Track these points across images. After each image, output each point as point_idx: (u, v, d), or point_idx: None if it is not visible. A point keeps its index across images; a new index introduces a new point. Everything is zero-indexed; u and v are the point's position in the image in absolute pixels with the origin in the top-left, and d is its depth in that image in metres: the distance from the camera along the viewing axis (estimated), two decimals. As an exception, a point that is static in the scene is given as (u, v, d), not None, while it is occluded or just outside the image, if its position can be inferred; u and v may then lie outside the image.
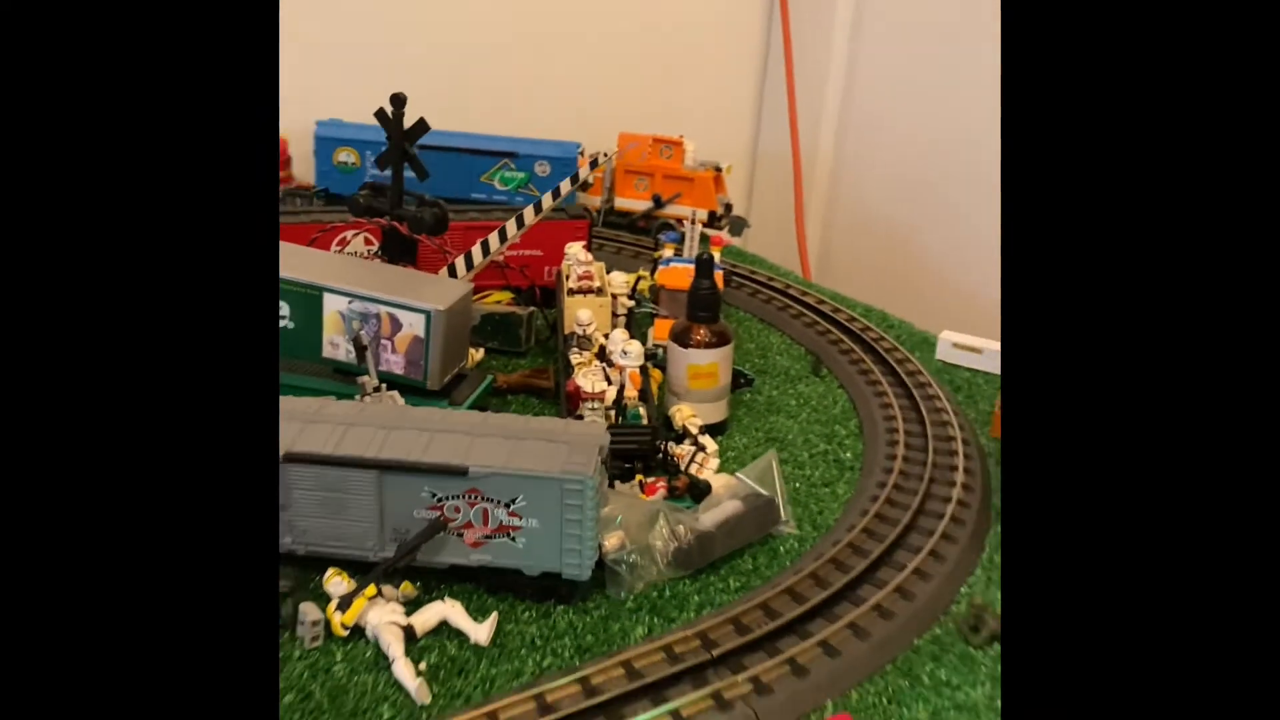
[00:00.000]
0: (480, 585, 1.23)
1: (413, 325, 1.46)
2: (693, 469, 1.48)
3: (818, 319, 2.02)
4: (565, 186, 1.64)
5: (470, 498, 1.17)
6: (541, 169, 2.19)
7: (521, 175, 2.18)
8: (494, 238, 1.64)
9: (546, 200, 1.64)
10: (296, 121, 2.24)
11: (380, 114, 1.59)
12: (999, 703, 1.09)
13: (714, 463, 1.50)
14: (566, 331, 1.69)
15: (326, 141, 2.23)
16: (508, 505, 1.16)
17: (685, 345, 1.58)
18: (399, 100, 1.58)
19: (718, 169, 2.45)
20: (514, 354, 1.86)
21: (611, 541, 1.24)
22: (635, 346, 1.51)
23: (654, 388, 1.68)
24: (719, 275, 1.88)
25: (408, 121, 1.58)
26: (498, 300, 1.97)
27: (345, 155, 2.18)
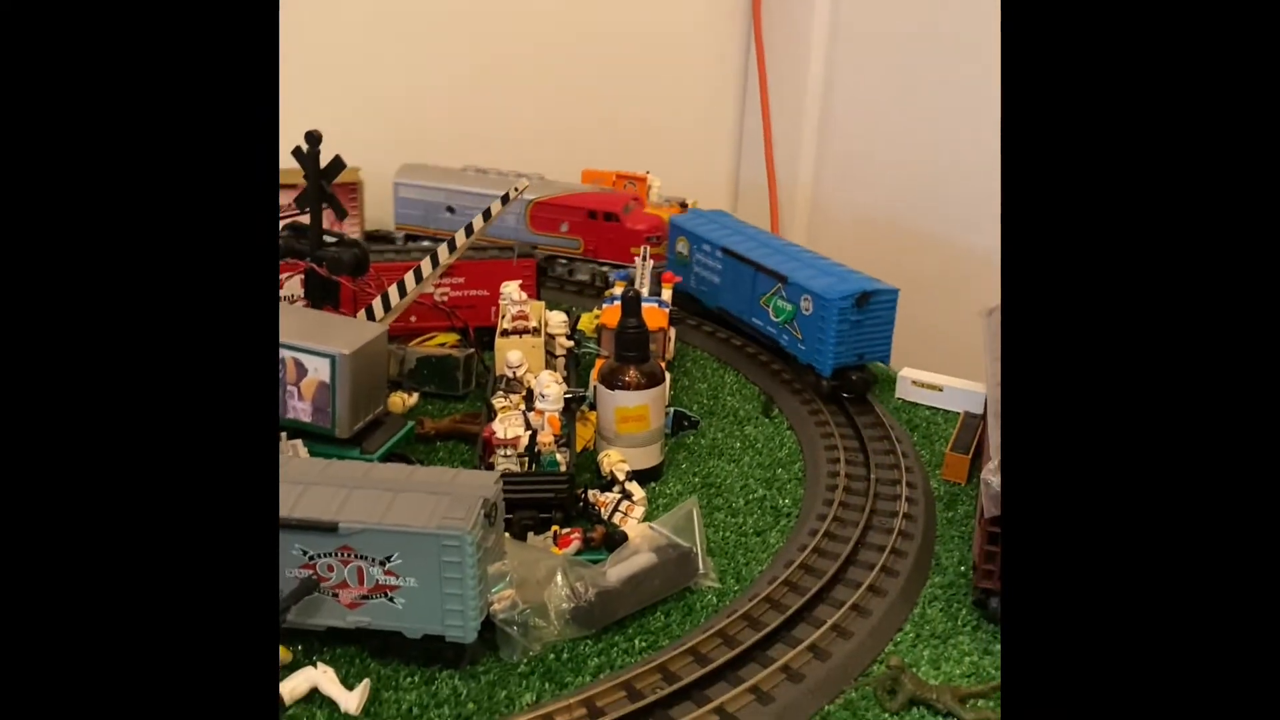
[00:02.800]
0: (364, 648, 1.15)
1: (318, 370, 1.39)
2: (616, 518, 1.40)
3: (775, 357, 1.93)
4: (478, 224, 1.58)
5: (343, 555, 1.09)
6: (805, 306, 1.73)
7: (789, 308, 1.78)
8: (409, 278, 1.58)
9: (460, 237, 1.58)
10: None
11: (296, 152, 1.54)
12: (908, 777, 1.00)
13: (640, 511, 1.41)
14: (497, 374, 1.62)
15: (674, 229, 2.14)
16: (383, 563, 1.09)
17: (612, 387, 1.51)
18: (314, 138, 1.53)
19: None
20: (452, 398, 1.79)
21: (502, 600, 1.16)
22: (554, 390, 1.43)
23: (590, 431, 1.61)
24: (664, 314, 1.82)
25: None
26: (441, 342, 1.90)
27: (681, 246, 2.11)
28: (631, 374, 1.51)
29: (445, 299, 1.91)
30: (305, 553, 1.09)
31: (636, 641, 1.19)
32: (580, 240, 2.26)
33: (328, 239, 1.59)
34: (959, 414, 1.72)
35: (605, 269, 2.25)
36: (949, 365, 1.88)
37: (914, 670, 1.13)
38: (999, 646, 1.19)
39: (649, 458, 1.54)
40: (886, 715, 1.08)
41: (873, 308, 1.72)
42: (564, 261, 2.30)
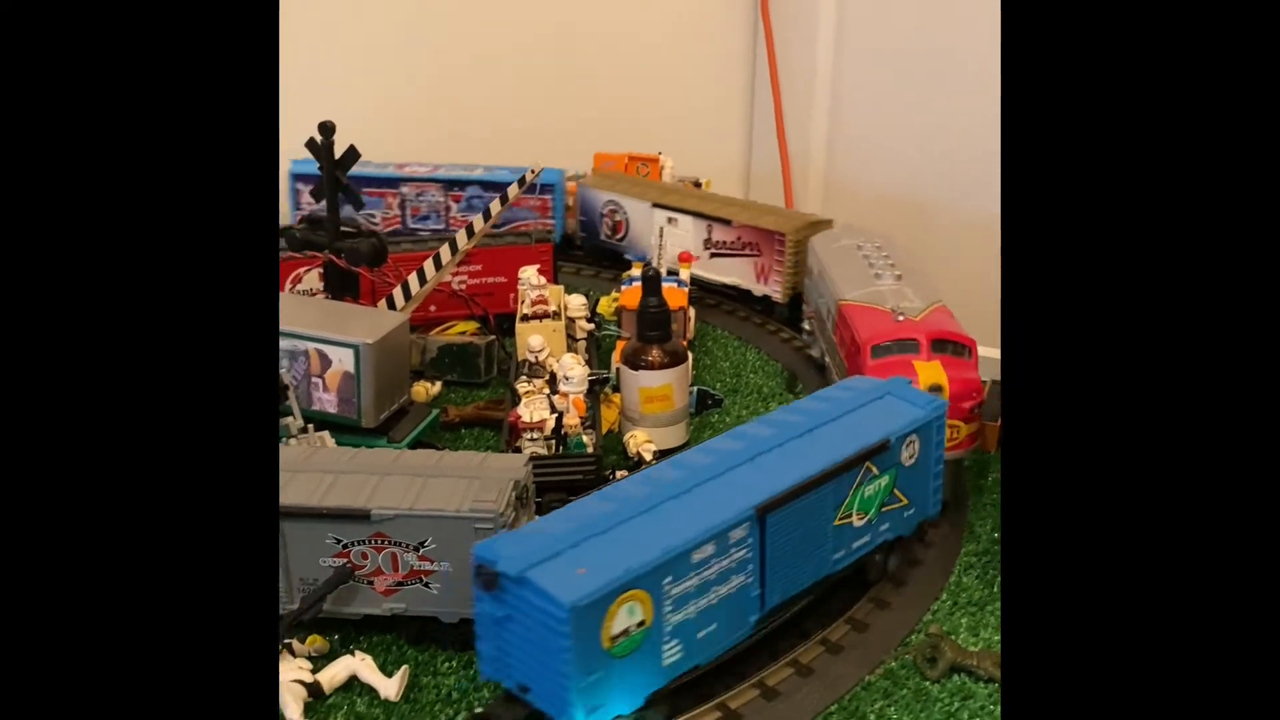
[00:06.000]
0: (401, 635, 1.15)
1: (342, 361, 1.39)
2: (645, 498, 1.39)
3: (796, 334, 1.92)
4: (495, 208, 1.57)
5: (377, 542, 1.09)
6: None
7: None
8: (429, 265, 1.57)
9: (478, 223, 1.57)
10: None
11: (310, 143, 1.54)
12: (953, 744, 0.99)
13: (669, 490, 1.41)
14: (520, 359, 1.62)
15: None
16: (417, 549, 1.09)
17: (636, 367, 1.50)
18: (327, 129, 1.52)
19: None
20: (475, 385, 1.78)
21: (536, 582, 1.15)
22: (578, 372, 1.43)
23: (614, 413, 1.60)
24: (683, 293, 1.81)
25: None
26: (462, 330, 1.90)
27: None
28: (654, 353, 1.50)
29: (464, 287, 1.90)
30: (338, 541, 1.09)
31: (672, 619, 1.18)
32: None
33: (345, 230, 1.59)
34: (986, 382, 1.71)
35: None
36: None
37: (953, 638, 1.13)
38: (1038, 612, 1.18)
39: (675, 437, 1.53)
40: (927, 683, 1.07)
41: (524, 609, 0.87)
42: None
